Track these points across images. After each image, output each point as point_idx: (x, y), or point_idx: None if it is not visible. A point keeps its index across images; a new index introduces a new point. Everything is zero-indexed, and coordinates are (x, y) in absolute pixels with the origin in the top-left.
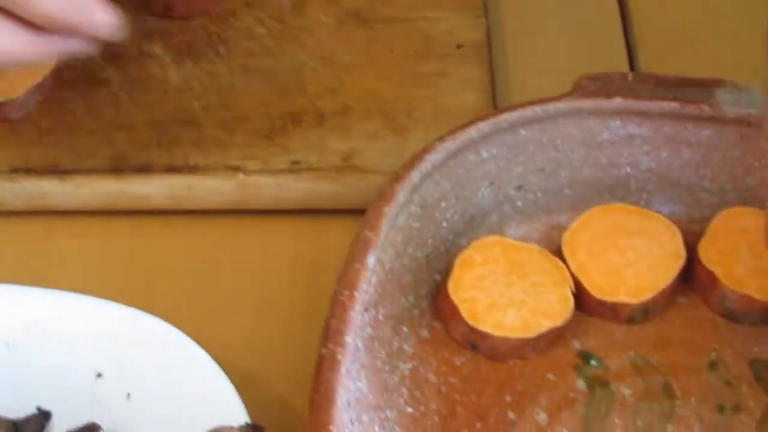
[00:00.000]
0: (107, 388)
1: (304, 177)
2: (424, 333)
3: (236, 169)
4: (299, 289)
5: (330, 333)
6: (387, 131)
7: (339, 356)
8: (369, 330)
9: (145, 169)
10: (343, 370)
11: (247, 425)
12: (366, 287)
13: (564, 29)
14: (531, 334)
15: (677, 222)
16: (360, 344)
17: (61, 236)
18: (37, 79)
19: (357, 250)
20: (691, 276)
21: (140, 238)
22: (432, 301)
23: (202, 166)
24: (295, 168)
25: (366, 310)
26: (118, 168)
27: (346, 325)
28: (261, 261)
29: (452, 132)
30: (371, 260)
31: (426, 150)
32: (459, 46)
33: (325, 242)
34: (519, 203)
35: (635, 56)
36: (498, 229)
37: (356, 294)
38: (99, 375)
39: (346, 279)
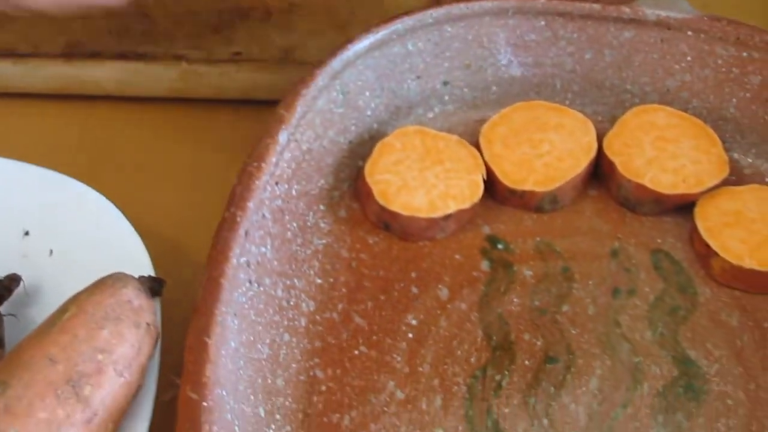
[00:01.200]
0: (33, 245)
1: (245, 67)
2: (342, 213)
3: (181, 57)
4: (233, 173)
5: (234, 198)
6: (329, 28)
7: (238, 219)
8: (279, 202)
9: (96, 55)
10: (241, 231)
11: (148, 277)
12: (276, 161)
13: None
14: (437, 214)
15: (601, 122)
16: (267, 213)
17: (15, 115)
18: None
19: (270, 127)
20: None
21: (90, 121)
22: (353, 184)
23: (149, 53)
24: (236, 59)
25: (277, 183)
26: (71, 53)
27: (250, 193)
28: (200, 146)
29: (377, 25)
30: (282, 137)
31: (350, 40)
32: None
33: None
34: (446, 98)
35: None
36: (424, 122)
37: (263, 165)
38: (26, 233)
39: (255, 152)
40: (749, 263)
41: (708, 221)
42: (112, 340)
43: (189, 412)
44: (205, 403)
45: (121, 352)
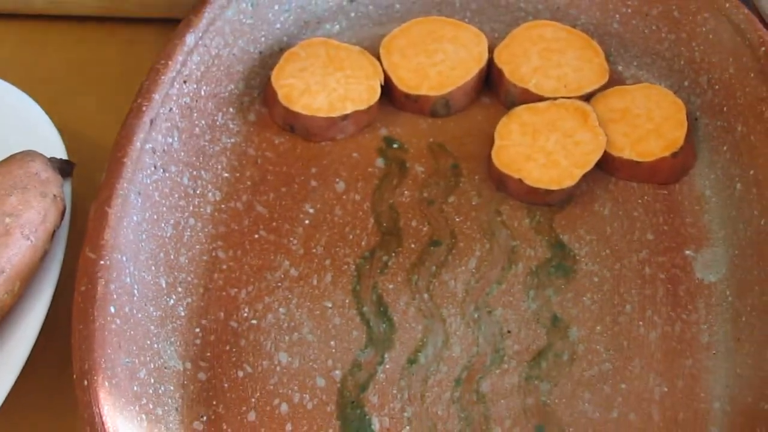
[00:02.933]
0: None
1: None
2: (251, 116)
3: None
4: None
5: (141, 91)
6: None
7: (144, 108)
8: (187, 99)
9: None
10: (146, 119)
11: (59, 159)
12: (183, 60)
13: None
14: (335, 114)
15: (497, 38)
16: (175, 108)
17: None
18: None
19: (179, 30)
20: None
21: (23, 37)
22: (262, 92)
23: None
24: None
25: (185, 82)
26: None
27: (156, 86)
28: (125, 60)
29: None
30: (190, 39)
31: None
32: None
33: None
34: (352, 14)
35: None
36: (331, 35)
37: (170, 63)
38: None
39: (163, 51)
40: (629, 155)
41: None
42: (19, 206)
43: (87, 269)
44: (102, 262)
45: (27, 217)
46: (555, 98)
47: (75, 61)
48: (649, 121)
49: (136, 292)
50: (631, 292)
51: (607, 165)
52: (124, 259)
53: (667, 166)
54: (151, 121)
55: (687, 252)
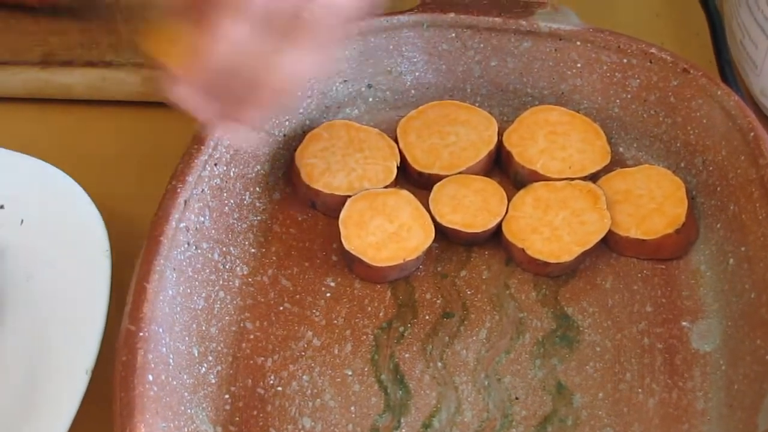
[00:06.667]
0: (7, 216)
1: None
2: (276, 195)
3: (142, 65)
4: None
5: (176, 173)
6: None
7: (178, 189)
8: (218, 181)
9: (68, 63)
10: (180, 200)
11: None
12: (215, 144)
13: None
14: (352, 192)
15: (506, 121)
16: (206, 189)
17: None
18: None
19: None
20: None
21: (62, 120)
22: (286, 171)
23: (115, 62)
24: None
25: (216, 164)
26: (46, 62)
27: (190, 169)
28: (158, 142)
29: None
30: None
31: None
32: None
33: None
34: (370, 99)
35: None
36: (350, 119)
37: (202, 148)
38: (1, 207)
39: (196, 137)
40: (635, 234)
41: None
42: None
43: (127, 341)
44: (141, 334)
45: None
46: (562, 179)
47: (113, 143)
48: (652, 201)
49: (171, 361)
50: (631, 361)
51: (614, 244)
52: (161, 330)
53: (671, 242)
54: (185, 202)
55: (683, 323)
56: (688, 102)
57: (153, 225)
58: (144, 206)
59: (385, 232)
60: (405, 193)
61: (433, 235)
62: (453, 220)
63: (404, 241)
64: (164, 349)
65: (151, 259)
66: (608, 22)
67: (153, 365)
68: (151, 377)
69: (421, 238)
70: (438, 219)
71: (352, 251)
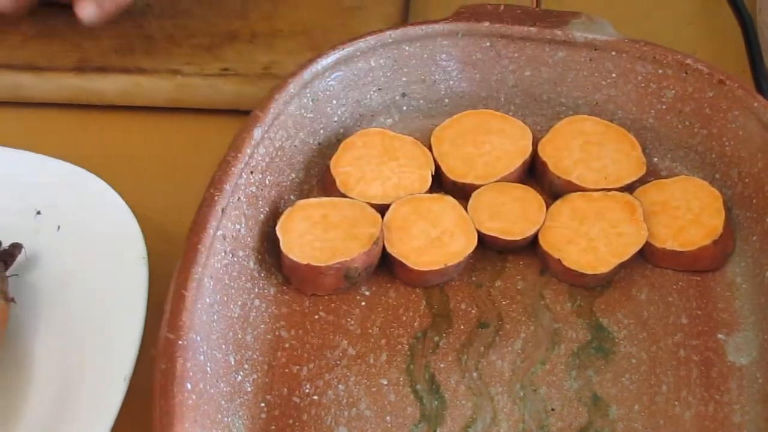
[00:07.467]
0: (44, 222)
1: (231, 81)
2: None
3: (176, 71)
4: None
5: (213, 181)
6: (304, 48)
7: (216, 198)
8: (253, 189)
9: (102, 69)
10: (218, 208)
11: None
12: (251, 152)
13: None
14: (388, 201)
15: (540, 131)
16: (242, 197)
17: (34, 120)
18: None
19: (246, 124)
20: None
21: (97, 126)
22: (321, 180)
23: (149, 68)
24: (224, 73)
25: (251, 172)
26: (81, 68)
27: (227, 177)
28: (193, 149)
29: (343, 42)
30: (257, 132)
31: (319, 54)
32: None
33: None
34: (404, 108)
35: None
36: (384, 127)
37: (239, 156)
38: (38, 212)
39: (233, 144)
40: (671, 245)
41: None
42: None
43: (166, 349)
44: (180, 342)
45: None
46: (598, 189)
47: (148, 149)
48: (689, 212)
49: (208, 369)
50: (666, 374)
51: (650, 256)
52: (198, 338)
53: (708, 254)
54: (223, 210)
55: (719, 336)
56: (724, 113)
57: (191, 233)
58: (179, 212)
59: (428, 237)
60: (449, 199)
61: (476, 241)
62: (492, 228)
63: (446, 246)
64: (202, 357)
65: (189, 267)
66: (641, 31)
67: (191, 373)
68: (189, 385)
69: (463, 244)
70: (477, 226)
71: (394, 254)
